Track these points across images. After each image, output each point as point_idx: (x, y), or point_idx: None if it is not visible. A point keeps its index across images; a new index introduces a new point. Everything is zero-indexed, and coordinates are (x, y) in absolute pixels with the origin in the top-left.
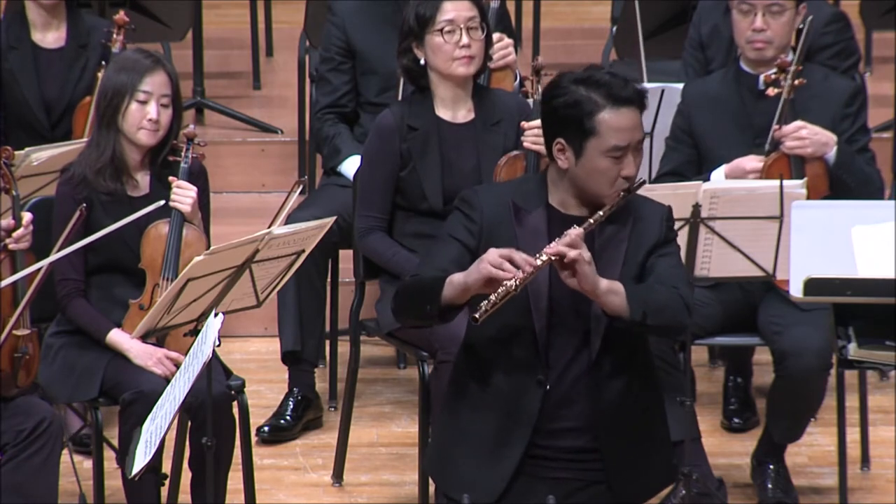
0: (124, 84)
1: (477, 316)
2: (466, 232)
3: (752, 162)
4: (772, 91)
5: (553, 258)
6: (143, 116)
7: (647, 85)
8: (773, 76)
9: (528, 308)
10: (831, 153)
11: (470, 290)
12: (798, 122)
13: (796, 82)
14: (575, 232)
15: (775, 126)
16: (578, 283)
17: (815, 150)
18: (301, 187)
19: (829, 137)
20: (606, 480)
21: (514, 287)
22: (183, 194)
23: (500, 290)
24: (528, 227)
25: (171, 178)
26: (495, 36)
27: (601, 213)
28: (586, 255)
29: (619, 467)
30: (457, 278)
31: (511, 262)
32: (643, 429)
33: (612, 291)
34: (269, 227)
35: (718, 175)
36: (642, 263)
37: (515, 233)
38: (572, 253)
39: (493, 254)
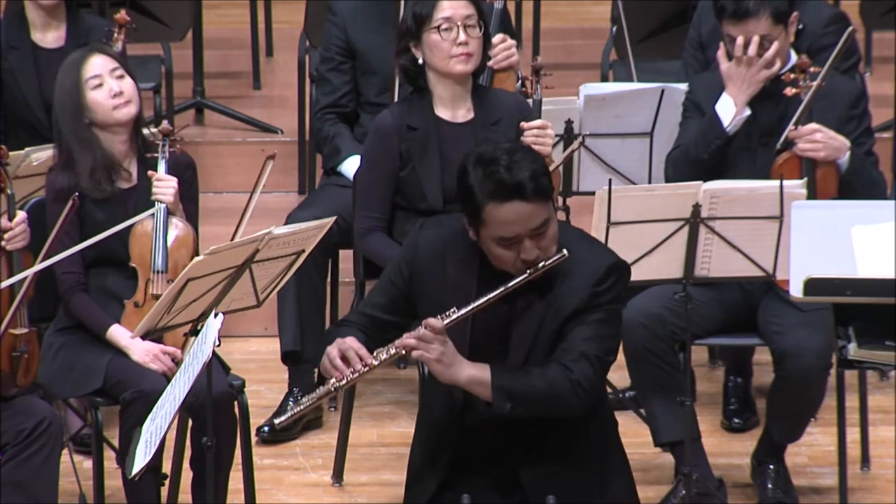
0: (72, 80)
1: (276, 422)
2: (399, 274)
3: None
4: (789, 91)
5: (402, 351)
6: (109, 95)
7: (647, 85)
8: (791, 76)
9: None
10: (844, 158)
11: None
12: (813, 125)
13: (814, 84)
14: (433, 324)
15: (791, 126)
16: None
17: (829, 154)
18: (272, 162)
19: (843, 143)
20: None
21: (337, 387)
22: (163, 186)
23: (320, 390)
24: (454, 281)
25: (150, 172)
26: (499, 37)
27: (500, 291)
28: (433, 352)
29: (539, 493)
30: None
31: (343, 358)
32: (561, 451)
33: (475, 382)
34: (246, 203)
35: (726, 102)
36: (559, 331)
37: (443, 283)
38: (415, 353)
39: (332, 348)
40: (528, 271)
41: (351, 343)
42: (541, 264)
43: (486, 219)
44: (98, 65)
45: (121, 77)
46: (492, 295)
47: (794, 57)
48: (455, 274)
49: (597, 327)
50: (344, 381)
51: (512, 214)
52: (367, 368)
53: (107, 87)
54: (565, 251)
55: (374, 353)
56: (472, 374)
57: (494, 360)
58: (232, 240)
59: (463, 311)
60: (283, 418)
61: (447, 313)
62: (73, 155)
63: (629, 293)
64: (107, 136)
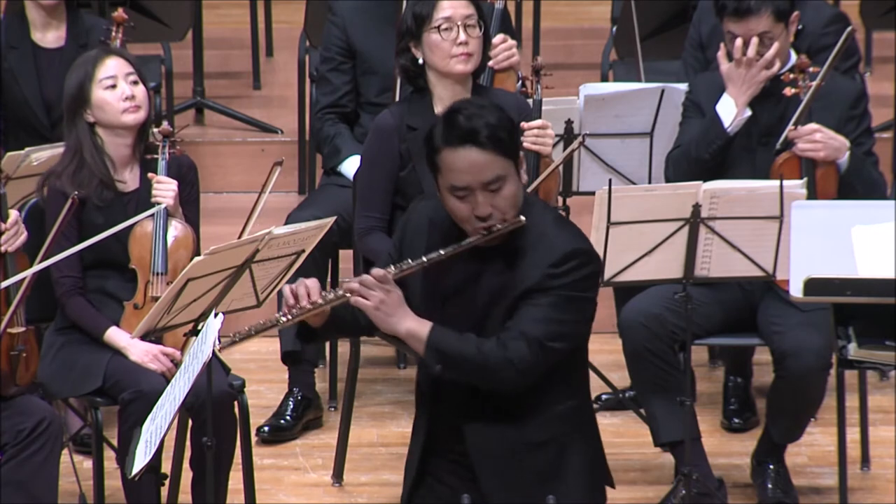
0: (82, 77)
1: (217, 347)
2: (394, 245)
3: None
4: (789, 91)
5: (347, 295)
6: (120, 98)
7: (646, 85)
8: (791, 76)
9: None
10: (843, 158)
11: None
12: (813, 126)
13: (814, 83)
14: (376, 272)
15: (791, 126)
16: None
17: (828, 154)
18: (279, 169)
19: (843, 143)
20: (477, 482)
21: (280, 320)
22: (163, 188)
23: (265, 321)
24: (434, 245)
25: (150, 174)
26: (499, 37)
27: (451, 248)
28: (372, 299)
29: (486, 469)
30: None
31: (294, 295)
32: (512, 432)
33: (412, 336)
34: (250, 212)
35: (727, 103)
36: (511, 306)
37: (425, 253)
38: (353, 299)
39: (286, 287)
40: (483, 232)
41: (307, 282)
42: (496, 227)
43: (440, 165)
44: (113, 66)
45: (135, 83)
46: (442, 252)
47: (793, 57)
48: (436, 245)
49: (546, 311)
50: (289, 316)
51: (464, 162)
52: (310, 306)
53: (119, 89)
54: (522, 217)
55: (321, 294)
56: (411, 327)
57: (463, 317)
58: None
59: (415, 263)
60: (225, 342)
61: (399, 264)
62: (81, 154)
63: (629, 292)
64: (111, 138)
